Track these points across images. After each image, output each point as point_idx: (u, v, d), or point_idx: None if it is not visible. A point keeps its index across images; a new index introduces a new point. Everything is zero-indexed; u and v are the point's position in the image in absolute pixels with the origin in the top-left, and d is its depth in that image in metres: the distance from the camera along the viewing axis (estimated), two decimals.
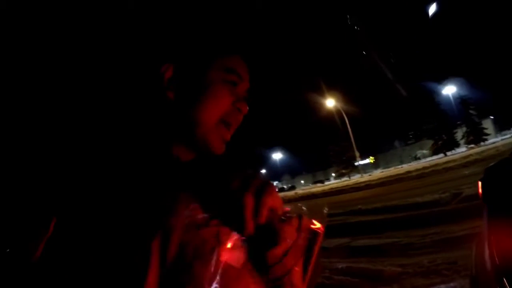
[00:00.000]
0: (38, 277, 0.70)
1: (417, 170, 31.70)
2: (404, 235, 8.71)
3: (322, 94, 60.04)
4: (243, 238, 0.79)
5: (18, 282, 0.69)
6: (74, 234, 0.73)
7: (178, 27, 1.01)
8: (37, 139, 1.00)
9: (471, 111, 56.82)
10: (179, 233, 0.77)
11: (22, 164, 0.85)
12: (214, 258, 0.76)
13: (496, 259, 2.38)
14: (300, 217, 0.84)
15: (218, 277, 0.74)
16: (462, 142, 55.72)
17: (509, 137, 36.64)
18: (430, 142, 59.69)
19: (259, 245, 0.79)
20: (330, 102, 58.68)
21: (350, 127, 53.71)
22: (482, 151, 31.68)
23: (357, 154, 54.70)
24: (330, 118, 61.81)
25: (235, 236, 0.78)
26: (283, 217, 0.81)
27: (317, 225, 0.85)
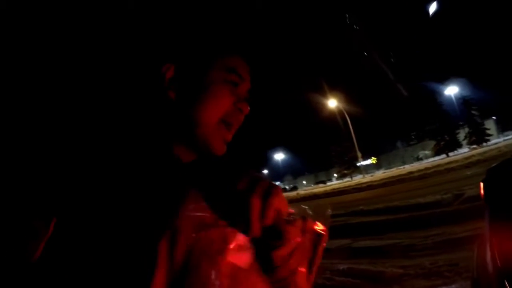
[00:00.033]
0: (38, 277, 0.70)
1: (419, 170, 31.67)
2: (405, 236, 8.69)
3: (324, 95, 60.12)
4: (250, 239, 0.80)
5: (18, 282, 0.69)
6: (75, 234, 0.73)
7: (179, 27, 1.01)
8: (37, 139, 0.99)
9: (473, 112, 56.78)
10: (186, 233, 0.77)
11: (22, 163, 0.84)
12: (221, 259, 0.76)
13: (498, 261, 2.36)
14: (304, 218, 0.86)
15: (225, 278, 0.75)
16: (464, 142, 55.67)
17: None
18: (432, 143, 59.67)
19: (265, 246, 0.82)
20: (332, 103, 58.73)
21: (352, 127, 53.78)
22: (485, 152, 31.62)
23: (359, 154, 54.69)
24: (332, 118, 61.90)
25: (241, 237, 0.79)
26: (288, 219, 0.83)
27: (321, 226, 0.87)
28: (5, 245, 0.71)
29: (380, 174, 46.72)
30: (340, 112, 57.75)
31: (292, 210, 0.87)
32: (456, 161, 30.81)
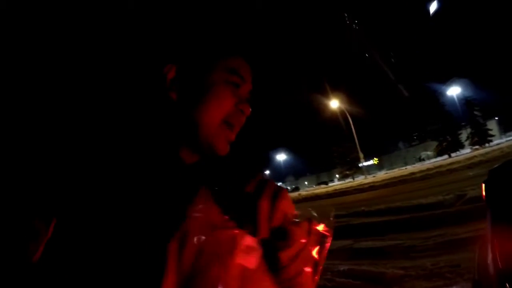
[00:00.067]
0: (38, 278, 0.70)
1: (421, 171, 31.63)
2: (407, 237, 8.69)
3: (326, 95, 60.18)
4: (257, 240, 0.81)
5: (18, 284, 0.69)
6: (76, 236, 0.73)
7: (181, 28, 1.01)
8: (38, 139, 0.99)
9: (475, 112, 56.72)
10: (196, 235, 0.77)
11: (21, 163, 0.85)
12: (230, 260, 0.77)
13: (499, 263, 2.33)
14: (310, 220, 0.88)
15: (234, 279, 0.75)
16: (466, 143, 55.63)
17: None
18: (434, 144, 59.65)
19: (272, 247, 0.83)
20: (334, 103, 58.77)
21: (354, 128, 53.77)
22: (487, 153, 31.59)
23: (361, 155, 54.68)
24: (334, 119, 61.93)
25: (249, 238, 0.80)
26: (294, 220, 0.86)
27: (325, 228, 0.89)
28: (5, 246, 0.70)
29: (382, 175, 46.72)
30: (342, 113, 57.80)
31: (297, 212, 0.89)
32: (458, 161, 30.79)
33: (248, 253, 0.79)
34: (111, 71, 1.12)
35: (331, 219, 0.91)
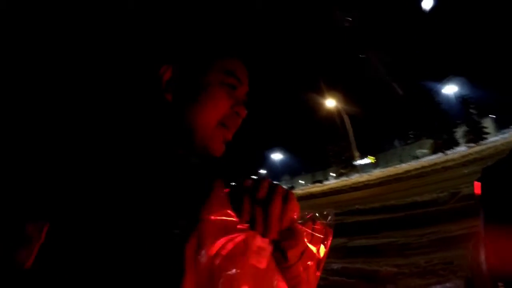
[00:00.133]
0: (31, 287, 0.68)
1: (416, 169, 31.72)
2: (401, 235, 8.76)
3: (321, 94, 60.23)
4: (267, 240, 0.84)
5: None
6: (73, 241, 0.72)
7: (178, 29, 1.01)
8: (30, 140, 0.96)
9: (471, 110, 56.87)
10: (210, 237, 0.79)
11: (12, 165, 0.81)
12: (244, 261, 0.79)
13: (492, 262, 2.31)
14: (313, 220, 0.93)
15: (248, 280, 0.78)
16: (462, 141, 55.82)
17: (509, 136, 36.56)
18: (429, 142, 59.79)
19: (281, 246, 0.88)
20: (329, 102, 58.89)
21: (349, 126, 53.81)
22: (482, 150, 31.63)
23: (357, 153, 54.82)
24: (329, 118, 62.02)
25: (260, 239, 0.83)
26: (300, 221, 0.90)
27: (326, 227, 0.94)
28: None
29: (377, 173, 46.77)
30: (338, 111, 57.88)
31: (301, 212, 0.92)
32: (453, 159, 30.88)
33: (259, 254, 0.82)
34: (107, 72, 1.11)
35: (331, 219, 0.95)
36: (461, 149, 45.23)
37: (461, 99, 59.40)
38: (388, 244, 8.22)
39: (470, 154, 31.30)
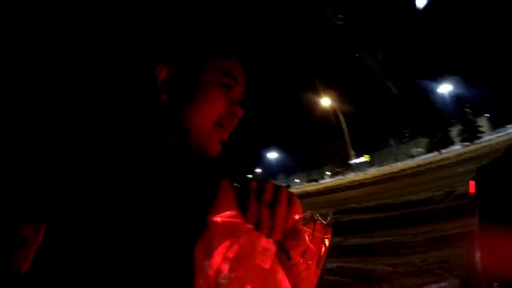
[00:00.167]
0: None
1: (411, 168, 31.81)
2: (396, 234, 8.78)
3: (317, 93, 60.24)
4: (271, 241, 0.85)
5: None
6: (70, 243, 0.70)
7: (174, 28, 1.01)
8: (24, 140, 0.96)
9: (466, 109, 57.10)
10: (219, 240, 0.80)
11: (5, 165, 0.80)
12: (252, 262, 0.81)
13: (487, 262, 2.30)
14: (313, 220, 0.92)
15: (255, 280, 0.79)
16: (457, 140, 56.01)
17: (504, 135, 36.77)
18: (425, 140, 60.03)
19: (285, 246, 0.88)
20: (325, 101, 58.93)
21: (345, 125, 53.90)
22: (477, 149, 31.78)
23: (352, 152, 54.91)
24: (325, 116, 62.06)
25: (265, 240, 0.84)
26: (302, 221, 0.91)
27: (326, 226, 0.95)
28: None
29: (372, 172, 46.89)
30: (333, 110, 57.94)
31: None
32: (448, 158, 31.02)
33: (264, 254, 0.83)
34: (102, 73, 1.11)
35: (330, 219, 0.96)
36: (456, 148, 45.47)
37: (456, 98, 59.62)
38: (383, 243, 8.23)
39: (465, 153, 31.45)
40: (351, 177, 47.19)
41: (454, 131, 57.36)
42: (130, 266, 0.72)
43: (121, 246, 0.73)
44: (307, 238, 0.92)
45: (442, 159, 31.77)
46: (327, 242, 0.95)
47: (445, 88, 62.16)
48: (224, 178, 0.92)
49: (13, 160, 0.80)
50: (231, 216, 0.84)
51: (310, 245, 0.92)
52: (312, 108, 62.87)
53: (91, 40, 1.28)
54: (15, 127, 1.09)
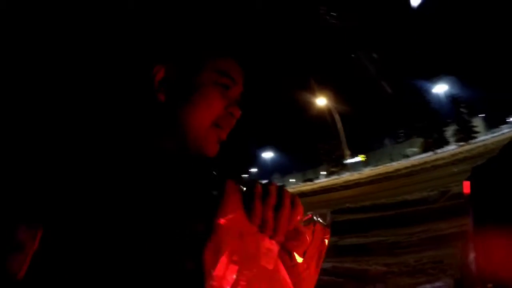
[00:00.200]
0: None
1: (406, 168, 31.91)
2: (391, 234, 8.83)
3: (312, 92, 60.35)
4: (274, 242, 0.86)
5: None
6: (68, 248, 0.68)
7: (171, 28, 1.00)
8: (19, 140, 0.94)
9: (461, 110, 57.33)
10: (227, 243, 0.80)
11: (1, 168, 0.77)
12: (257, 264, 0.82)
13: (481, 263, 2.29)
14: (313, 221, 0.96)
15: (261, 281, 0.81)
16: (452, 140, 56.24)
17: (499, 135, 36.92)
18: (420, 140, 60.25)
19: (287, 247, 0.90)
20: (320, 101, 59.06)
21: (340, 125, 54.02)
22: (472, 149, 31.91)
23: (347, 152, 55.05)
24: (320, 116, 62.18)
25: (268, 241, 0.86)
26: (303, 223, 0.94)
27: (325, 228, 0.99)
28: None
29: (367, 172, 47.01)
30: (328, 110, 58.07)
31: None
32: (443, 158, 31.14)
33: (268, 255, 0.85)
34: (98, 73, 1.10)
35: (328, 220, 0.99)
36: (451, 148, 45.58)
37: (452, 98, 59.85)
38: (378, 243, 8.28)
39: (460, 153, 31.55)
40: (346, 176, 47.26)
41: (449, 131, 57.59)
42: (134, 273, 0.71)
43: (123, 251, 0.72)
44: (308, 238, 0.94)
45: (437, 159, 31.87)
46: (326, 242, 0.98)
47: (440, 88, 62.36)
48: (227, 179, 0.92)
49: (9, 162, 0.78)
50: (238, 218, 0.85)
51: (311, 245, 0.94)
52: (307, 108, 62.99)
53: (86, 39, 1.26)
54: (12, 129, 1.06)
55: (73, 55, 1.26)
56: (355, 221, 11.52)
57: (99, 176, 0.79)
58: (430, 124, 57.12)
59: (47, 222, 0.68)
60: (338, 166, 65.01)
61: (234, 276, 0.78)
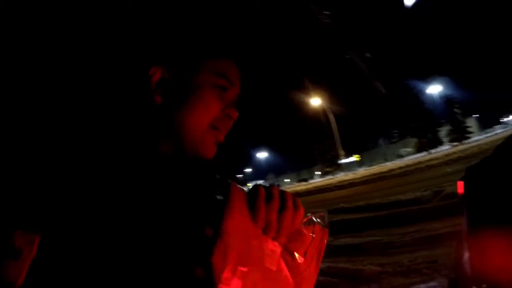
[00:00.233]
0: None
1: (400, 168, 32.04)
2: (385, 234, 8.86)
3: (307, 92, 60.40)
4: (277, 243, 0.88)
5: None
6: (67, 255, 0.67)
7: (168, 29, 0.99)
8: (17, 145, 0.92)
9: (455, 110, 57.57)
10: (234, 247, 0.80)
11: None
12: (261, 265, 0.83)
13: (475, 263, 2.30)
14: (313, 221, 0.97)
15: (265, 282, 0.82)
16: (446, 140, 56.46)
17: (492, 135, 37.13)
18: (414, 140, 60.47)
19: (288, 248, 0.91)
20: (315, 101, 59.14)
21: (335, 125, 54.11)
22: (465, 149, 32.07)
23: (342, 152, 55.14)
24: (315, 116, 62.24)
25: (271, 242, 0.87)
26: (303, 224, 0.96)
27: (324, 228, 1.01)
28: None
29: (362, 172, 47.11)
30: (323, 110, 58.14)
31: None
32: (436, 158, 31.27)
33: (271, 257, 0.86)
34: (94, 74, 1.09)
35: (326, 221, 1.01)
36: (445, 148, 45.76)
37: (445, 99, 60.08)
38: (372, 243, 8.29)
39: (454, 153, 31.69)
40: (340, 176, 47.35)
41: (443, 131, 57.84)
42: (140, 280, 0.71)
43: (127, 256, 0.71)
44: (309, 238, 0.96)
45: (430, 159, 32.00)
46: (324, 242, 1.00)
47: (434, 89, 62.59)
48: (231, 182, 0.94)
49: (6, 167, 0.77)
50: (243, 221, 0.86)
51: (311, 245, 0.96)
52: (302, 108, 63.03)
53: (84, 40, 1.25)
54: (9, 134, 1.04)
55: (70, 56, 1.25)
56: (349, 221, 11.53)
57: (99, 180, 0.78)
58: (424, 124, 57.33)
59: (45, 229, 0.67)
60: (332, 166, 65.11)
61: (242, 279, 0.79)
